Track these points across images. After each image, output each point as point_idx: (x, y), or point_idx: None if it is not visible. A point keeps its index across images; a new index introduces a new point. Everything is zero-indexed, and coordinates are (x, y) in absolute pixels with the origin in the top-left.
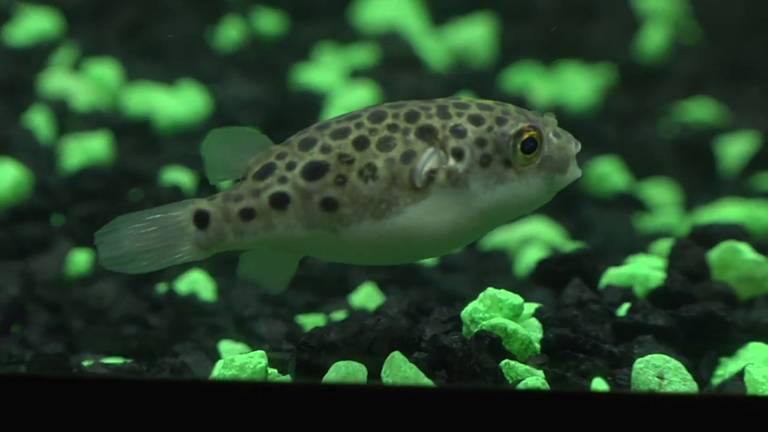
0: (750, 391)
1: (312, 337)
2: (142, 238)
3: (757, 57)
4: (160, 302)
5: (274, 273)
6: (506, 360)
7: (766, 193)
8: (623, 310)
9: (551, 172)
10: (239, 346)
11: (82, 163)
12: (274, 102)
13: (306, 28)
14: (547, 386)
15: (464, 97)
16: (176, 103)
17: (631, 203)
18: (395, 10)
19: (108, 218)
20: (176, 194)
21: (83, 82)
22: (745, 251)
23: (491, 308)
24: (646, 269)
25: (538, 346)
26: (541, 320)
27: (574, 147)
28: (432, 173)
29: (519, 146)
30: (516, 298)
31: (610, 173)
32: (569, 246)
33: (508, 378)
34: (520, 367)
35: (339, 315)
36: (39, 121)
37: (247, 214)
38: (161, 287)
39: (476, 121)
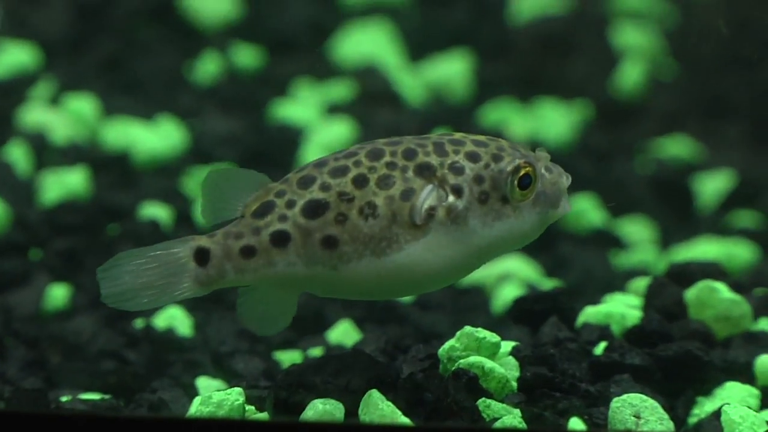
0: (727, 431)
1: (289, 374)
2: (143, 275)
3: (734, 94)
4: (138, 337)
5: (273, 313)
6: (483, 398)
7: (742, 230)
8: (600, 348)
9: (545, 207)
10: (216, 383)
11: (60, 197)
12: (251, 137)
13: (283, 62)
14: (524, 425)
15: (457, 133)
16: (154, 137)
17: (607, 240)
18: (373, 46)
19: (86, 253)
20: (154, 229)
21: (61, 116)
22: (722, 290)
23: (468, 346)
24: (622, 308)
25: (515, 384)
26: (518, 358)
27: (565, 181)
28: (432, 210)
29: (516, 183)
30: (493, 337)
31: (586, 210)
32: (546, 283)
33: (485, 416)
34: (497, 405)
35: (316, 351)
36: (17, 155)
37: (248, 252)
38: (138, 322)
39: (473, 158)
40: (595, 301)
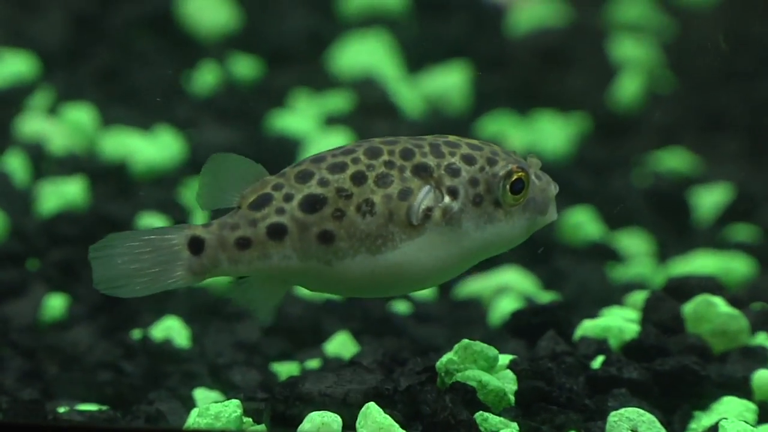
0: None
1: (287, 386)
2: (136, 259)
3: (731, 107)
4: (135, 348)
5: (263, 301)
6: (480, 412)
7: (739, 244)
8: (598, 362)
9: (534, 213)
10: (214, 394)
11: (58, 207)
12: (249, 148)
13: (281, 73)
14: None
15: (452, 136)
16: (152, 148)
17: (604, 253)
18: (371, 57)
19: (84, 264)
20: None
21: (59, 126)
22: (720, 305)
23: (466, 359)
24: (620, 321)
25: (512, 398)
26: (515, 372)
27: (553, 189)
28: (428, 211)
29: (509, 187)
30: (491, 350)
31: (584, 223)
32: (543, 296)
33: (482, 430)
34: (495, 419)
35: (313, 363)
36: (15, 164)
37: (243, 243)
38: (136, 333)
39: (469, 160)
40: (592, 314)
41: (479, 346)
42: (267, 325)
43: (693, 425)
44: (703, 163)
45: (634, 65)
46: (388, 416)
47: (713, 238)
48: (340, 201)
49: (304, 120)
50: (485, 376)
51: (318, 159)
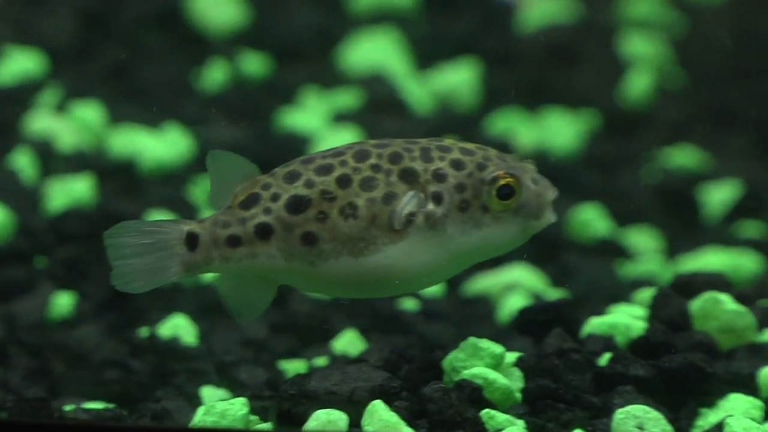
0: None
1: (293, 384)
2: (141, 250)
3: (740, 104)
4: (143, 346)
5: (250, 299)
6: (487, 409)
7: (748, 240)
8: (604, 359)
9: (526, 218)
10: (221, 392)
11: (66, 205)
12: (258, 145)
13: (290, 71)
14: None
15: (448, 140)
16: (160, 145)
17: (613, 250)
18: (380, 54)
19: (91, 261)
20: None
21: (67, 123)
22: (727, 302)
23: (472, 357)
24: (627, 319)
25: (519, 395)
26: (522, 369)
27: (551, 194)
28: (411, 216)
29: (495, 192)
30: (497, 347)
31: (592, 220)
32: (551, 293)
33: (488, 427)
34: (501, 416)
35: (321, 361)
36: (22, 162)
37: (234, 242)
38: (143, 331)
39: (457, 165)
40: (600, 311)
41: (486, 343)
42: (243, 324)
43: (699, 422)
44: (712, 159)
45: (643, 62)
46: (394, 414)
47: (722, 234)
48: (324, 203)
49: (313, 117)
50: (492, 374)
51: (308, 160)
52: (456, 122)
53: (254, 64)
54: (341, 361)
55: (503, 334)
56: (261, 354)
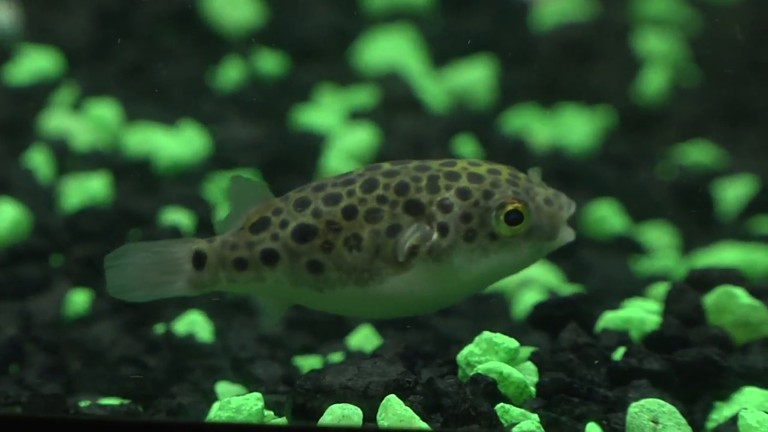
0: None
1: (308, 379)
2: (145, 269)
3: (756, 100)
4: (158, 343)
5: (268, 311)
6: (501, 404)
7: (763, 236)
8: (619, 354)
9: (539, 240)
10: (236, 388)
11: (82, 203)
12: (274, 143)
13: (306, 69)
14: (542, 430)
15: (462, 162)
16: (176, 143)
17: (629, 246)
18: (396, 52)
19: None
20: (175, 235)
21: (83, 122)
22: (741, 296)
23: (487, 352)
24: (641, 313)
25: (533, 390)
26: (536, 364)
27: (566, 211)
28: (414, 249)
29: (503, 218)
30: (512, 342)
31: (608, 216)
32: (567, 289)
33: (503, 421)
34: (515, 410)
35: (336, 357)
36: (38, 160)
37: (240, 264)
38: (159, 328)
39: (463, 195)
40: (615, 306)
41: (500, 338)
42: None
43: (714, 416)
44: (727, 156)
45: (659, 59)
46: (408, 408)
47: (737, 230)
48: (330, 234)
49: (329, 115)
50: (506, 368)
51: (319, 187)
52: (472, 120)
53: (270, 62)
54: (356, 357)
55: (518, 330)
56: (276, 350)
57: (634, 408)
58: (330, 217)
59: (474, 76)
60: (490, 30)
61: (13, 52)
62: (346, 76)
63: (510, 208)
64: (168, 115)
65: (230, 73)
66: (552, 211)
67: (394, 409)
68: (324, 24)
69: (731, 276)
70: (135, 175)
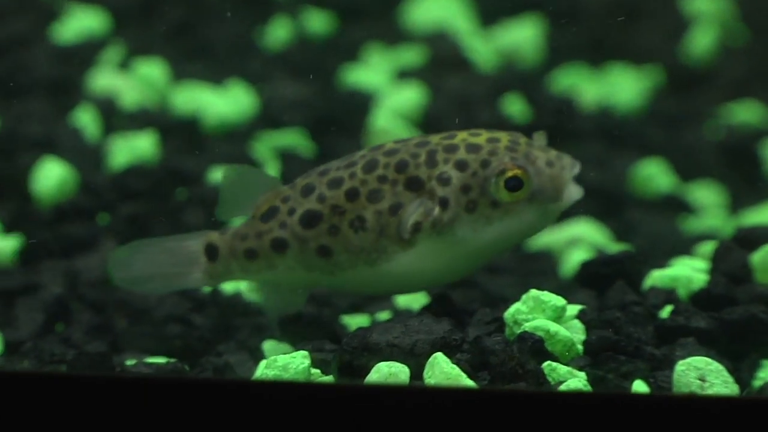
0: None
1: (354, 337)
2: (156, 263)
3: None
4: (205, 302)
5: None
6: (548, 362)
7: None
8: (666, 312)
9: (544, 203)
10: (283, 346)
11: (129, 162)
12: (321, 102)
13: (354, 28)
14: (588, 388)
15: (461, 134)
16: (223, 102)
17: (676, 205)
18: (443, 11)
19: (154, 218)
20: None
21: (130, 81)
22: None
23: (534, 310)
24: (689, 271)
25: (580, 347)
26: (583, 322)
27: (569, 171)
28: (418, 225)
29: (502, 185)
30: (559, 300)
31: (655, 175)
32: (614, 248)
33: (550, 379)
34: (562, 368)
35: (383, 315)
36: (86, 119)
37: (251, 254)
38: (206, 287)
39: (461, 166)
40: (662, 265)
41: (547, 296)
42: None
43: (761, 374)
44: None
45: (707, 18)
46: (455, 366)
47: None
48: (335, 218)
49: (377, 74)
50: (553, 326)
51: (324, 171)
52: (520, 79)
53: (318, 21)
54: (404, 315)
55: (566, 288)
56: (324, 309)
57: (681, 366)
58: (334, 201)
59: (522, 35)
60: None
61: (60, 11)
62: (394, 35)
63: (509, 174)
64: (215, 74)
65: (278, 32)
66: (554, 172)
67: (440, 367)
68: None
69: None
70: (182, 134)
